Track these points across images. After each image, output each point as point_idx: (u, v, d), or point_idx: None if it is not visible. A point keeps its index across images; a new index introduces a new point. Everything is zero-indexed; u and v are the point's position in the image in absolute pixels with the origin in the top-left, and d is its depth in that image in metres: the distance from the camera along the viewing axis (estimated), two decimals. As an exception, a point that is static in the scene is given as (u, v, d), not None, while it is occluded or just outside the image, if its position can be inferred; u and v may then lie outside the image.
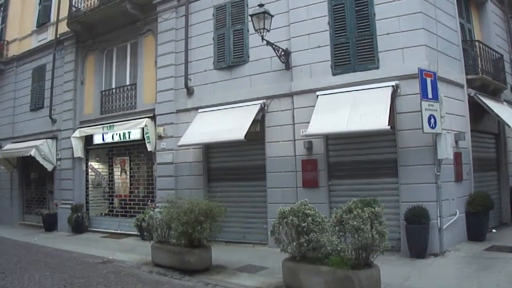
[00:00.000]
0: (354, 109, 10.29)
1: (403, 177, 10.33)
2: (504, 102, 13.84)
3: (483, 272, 8.44)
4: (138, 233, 13.17)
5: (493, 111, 11.90)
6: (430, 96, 9.69)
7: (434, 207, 9.93)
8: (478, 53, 12.81)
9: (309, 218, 7.63)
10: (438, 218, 9.93)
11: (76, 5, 16.59)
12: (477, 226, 11.10)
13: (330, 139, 11.33)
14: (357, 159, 11.07)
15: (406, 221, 9.90)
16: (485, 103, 11.94)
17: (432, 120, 9.62)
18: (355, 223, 7.02)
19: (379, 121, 9.66)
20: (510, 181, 13.98)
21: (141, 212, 12.35)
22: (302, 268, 7.66)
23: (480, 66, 12.61)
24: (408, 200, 10.12)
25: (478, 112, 12.36)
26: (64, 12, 17.43)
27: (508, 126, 12.03)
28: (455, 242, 10.66)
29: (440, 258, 9.71)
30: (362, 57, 11.08)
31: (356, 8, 11.24)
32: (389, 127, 9.53)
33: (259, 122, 12.20)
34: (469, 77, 12.08)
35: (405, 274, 8.63)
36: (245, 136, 11.37)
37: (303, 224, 7.58)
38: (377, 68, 10.84)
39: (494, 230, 12.44)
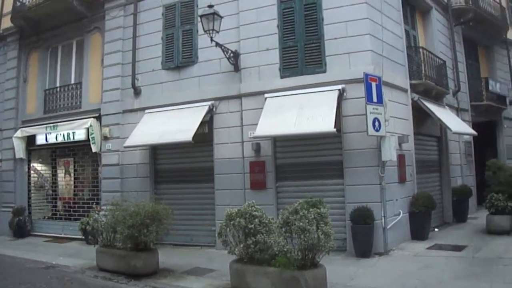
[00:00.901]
0: (301, 111, 10.41)
1: (348, 178, 10.53)
2: (446, 106, 14.36)
3: (426, 270, 8.72)
4: (83, 237, 12.74)
5: (435, 115, 12.33)
6: (375, 100, 9.92)
7: (379, 208, 10.19)
8: (422, 59, 13.27)
9: (256, 220, 7.62)
10: (383, 218, 10.19)
11: (21, 0, 15.95)
12: (420, 226, 11.46)
13: (278, 141, 11.40)
14: (304, 161, 11.19)
15: (352, 222, 10.08)
16: (427, 107, 12.36)
17: (377, 123, 9.85)
18: (301, 224, 7.07)
19: (325, 123, 9.81)
20: (452, 182, 14.50)
21: (86, 215, 12.01)
22: (249, 269, 7.66)
23: (423, 71, 13.05)
24: (353, 201, 10.31)
25: (421, 116, 12.77)
26: (8, 7, 16.74)
27: (449, 129, 12.50)
28: (399, 241, 10.97)
29: (384, 257, 9.97)
30: (310, 61, 11.21)
31: (305, 13, 11.37)
32: (334, 129, 9.68)
33: (207, 123, 12.12)
34: (413, 82, 12.47)
35: (350, 273, 8.79)
36: (193, 137, 11.27)
37: (250, 226, 7.57)
38: (324, 72, 11.00)
39: (436, 229, 12.87)
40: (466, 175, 15.70)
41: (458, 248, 10.41)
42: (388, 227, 10.36)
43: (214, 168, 12.07)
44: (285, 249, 7.28)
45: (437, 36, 15.13)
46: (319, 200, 7.65)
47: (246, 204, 8.02)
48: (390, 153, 10.06)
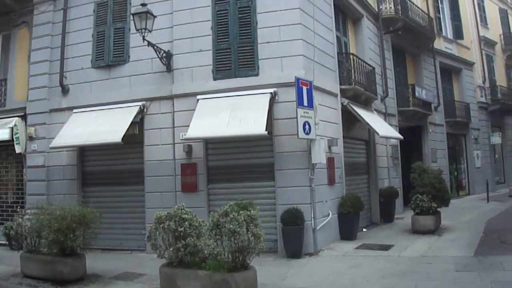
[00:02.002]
0: (234, 114, 10.42)
1: (279, 180, 10.67)
2: (374, 111, 14.89)
3: (354, 269, 8.98)
4: (7, 242, 12.08)
5: (363, 119, 12.76)
6: (305, 103, 10.11)
7: (309, 209, 10.39)
8: (352, 65, 13.64)
9: (186, 223, 7.51)
10: (312, 219, 10.39)
11: None
12: (348, 226, 11.82)
13: (209, 143, 11.36)
14: (236, 163, 11.22)
15: (282, 223, 10.21)
16: (356, 112, 12.77)
17: (307, 126, 10.03)
18: (231, 226, 7.04)
19: (257, 126, 9.88)
20: (379, 184, 15.05)
21: (10, 220, 11.36)
22: (179, 273, 7.54)
23: (353, 77, 13.43)
24: (284, 203, 10.45)
25: (350, 120, 13.17)
26: None
27: (377, 133, 12.99)
28: (329, 241, 11.25)
29: (314, 257, 10.17)
30: (243, 64, 11.27)
31: (239, 15, 11.40)
32: (266, 132, 9.77)
33: (137, 124, 11.81)
34: (343, 87, 12.83)
35: (281, 274, 8.88)
36: (123, 138, 10.97)
37: (180, 229, 7.46)
38: (257, 75, 11.09)
39: (364, 230, 13.32)
40: (393, 177, 16.35)
41: (385, 247, 10.83)
42: (318, 228, 10.57)
43: (145, 170, 11.82)
44: (215, 252, 7.21)
45: (367, 43, 15.66)
46: (249, 202, 7.66)
47: (176, 206, 7.88)
48: (320, 156, 10.28)
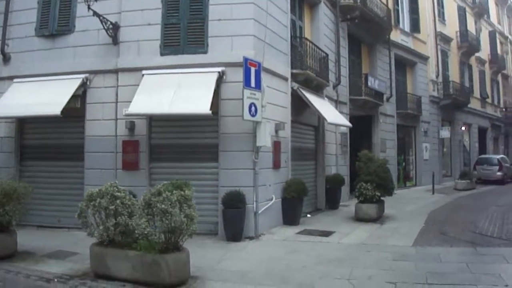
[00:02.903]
0: (179, 91, 10.10)
1: (223, 162, 10.47)
2: (325, 98, 14.86)
3: (292, 254, 8.90)
4: None
5: (313, 105, 12.67)
6: (253, 85, 9.90)
7: (251, 192, 10.28)
8: (306, 50, 13.51)
9: (118, 201, 7.22)
10: (254, 202, 10.29)
11: None
12: (291, 211, 11.75)
13: (153, 120, 11.01)
14: (180, 142, 10.94)
15: (223, 205, 10.03)
16: (306, 97, 12.66)
17: (253, 108, 9.83)
18: (163, 206, 6.79)
19: (201, 105, 9.61)
20: (327, 170, 15.09)
21: None
22: (110, 253, 7.25)
23: (306, 62, 13.30)
24: (226, 185, 10.27)
25: (300, 105, 13.04)
26: None
27: (325, 119, 12.91)
28: (271, 226, 11.16)
29: (254, 241, 10.07)
30: (192, 40, 10.94)
31: (192, -10, 11.05)
32: (210, 112, 9.51)
33: (80, 97, 11.31)
34: (295, 71, 12.69)
35: (218, 257, 8.71)
36: (62, 111, 10.46)
37: (111, 207, 7.17)
38: (206, 52, 10.79)
39: (309, 215, 13.34)
40: (340, 164, 16.45)
41: (326, 233, 10.83)
42: (260, 211, 10.47)
43: (85, 146, 11.37)
44: (146, 232, 6.96)
45: (323, 29, 15.56)
46: (184, 182, 7.40)
47: (108, 183, 7.57)
48: (265, 138, 10.13)
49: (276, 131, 11.47)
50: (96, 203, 7.27)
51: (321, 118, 14.02)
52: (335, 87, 16.26)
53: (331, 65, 15.97)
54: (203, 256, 8.41)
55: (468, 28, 31.45)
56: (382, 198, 12.94)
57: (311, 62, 13.69)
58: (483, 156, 29.55)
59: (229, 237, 10.01)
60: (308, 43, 13.74)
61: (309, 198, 14.01)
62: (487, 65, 36.28)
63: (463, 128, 31.00)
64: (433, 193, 20.11)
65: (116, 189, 7.44)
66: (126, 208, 7.29)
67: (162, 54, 11.01)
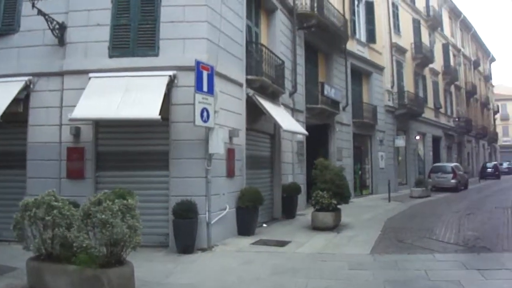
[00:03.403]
0: (127, 95, 9.60)
1: (174, 170, 10.00)
2: (281, 106, 14.63)
3: (246, 265, 8.54)
4: None
5: (268, 112, 12.39)
6: (205, 89, 9.52)
7: (203, 202, 9.83)
8: (262, 56, 13.27)
9: (55, 211, 6.65)
10: (207, 212, 9.84)
11: None
12: (246, 221, 11.39)
13: (100, 126, 10.42)
14: (128, 149, 10.40)
15: (174, 216, 9.53)
16: (261, 104, 12.37)
17: (205, 113, 9.45)
18: (103, 216, 6.28)
19: (150, 109, 9.13)
20: (283, 179, 14.84)
21: None
22: (47, 268, 6.66)
23: (262, 69, 13.06)
24: (178, 194, 9.79)
25: (256, 112, 12.75)
26: None
27: (281, 127, 12.64)
28: (225, 236, 10.74)
29: (207, 253, 9.61)
30: (143, 42, 10.48)
31: (143, -10, 10.59)
32: (159, 117, 9.02)
33: (22, 101, 10.59)
34: (250, 77, 12.40)
35: (167, 270, 8.23)
36: (2, 116, 9.72)
37: (47, 218, 6.60)
38: (157, 55, 10.34)
39: (265, 225, 13.01)
40: (297, 173, 16.24)
41: (281, 243, 10.52)
42: (213, 222, 10.05)
43: (27, 153, 10.61)
44: (84, 245, 6.43)
45: (279, 36, 15.39)
46: (128, 190, 6.90)
47: (45, 192, 6.99)
48: (217, 145, 9.76)
49: (230, 138, 11.12)
50: (32, 213, 6.68)
51: (277, 126, 13.77)
52: (291, 95, 16.09)
53: (288, 73, 15.81)
54: (152, 270, 7.98)
55: (423, 40, 32.25)
56: (338, 206, 12.76)
57: (267, 69, 13.46)
58: (437, 164, 30.14)
59: (181, 249, 9.52)
60: (264, 49, 13.51)
61: (265, 207, 13.72)
62: (440, 76, 37.24)
63: (417, 137, 31.58)
64: (389, 201, 20.20)
65: (54, 198, 6.86)
66: (65, 219, 6.71)
67: (110, 56, 10.47)
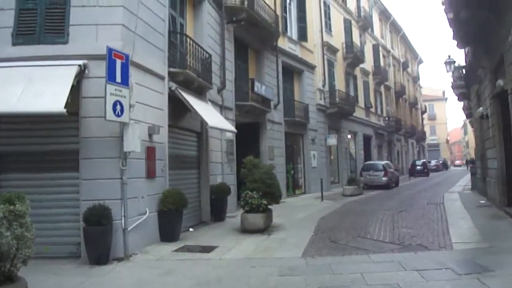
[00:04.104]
0: (30, 87, 8.37)
1: (85, 171, 8.90)
2: (209, 102, 13.80)
3: (166, 276, 7.67)
4: None
5: (192, 107, 11.48)
6: (118, 80, 8.53)
7: (119, 206, 8.85)
8: (186, 48, 12.39)
9: None
10: (123, 218, 8.86)
11: None
12: (169, 226, 10.45)
13: (1, 122, 9.16)
14: (33, 149, 9.17)
15: (85, 222, 8.47)
16: (185, 98, 11.45)
17: (119, 107, 8.46)
18: (-17, 226, 5.25)
19: (54, 103, 7.99)
20: (212, 180, 14.01)
21: None
22: None
23: (187, 61, 12.19)
24: (89, 198, 8.71)
25: (180, 108, 11.80)
26: None
27: (206, 123, 11.69)
28: (145, 243, 9.78)
29: (124, 263, 8.63)
30: (51, 29, 9.29)
31: (50, -29, 9.40)
32: (64, 110, 7.88)
33: None
34: (172, 70, 11.46)
35: (75, 284, 7.20)
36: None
37: None
38: (66, 43, 9.20)
39: (191, 229, 12.16)
40: (227, 173, 15.46)
41: (208, 249, 9.68)
42: (130, 228, 9.08)
43: None
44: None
45: (207, 29, 14.58)
46: (18, 194, 5.85)
47: None
48: (133, 143, 8.78)
49: (150, 136, 10.16)
50: None
51: (204, 124, 12.88)
52: (220, 91, 15.30)
53: (216, 68, 15.03)
54: (58, 285, 7.02)
55: (354, 40, 32.52)
56: (269, 206, 12.12)
57: (193, 62, 12.58)
58: (368, 162, 30.39)
59: (93, 260, 8.46)
60: (189, 41, 12.61)
61: (192, 210, 12.88)
62: (371, 76, 37.86)
63: (349, 136, 31.76)
64: (322, 200, 19.91)
65: None
66: None
67: (14, 44, 9.20)
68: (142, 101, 9.79)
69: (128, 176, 9.01)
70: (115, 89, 8.42)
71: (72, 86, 8.47)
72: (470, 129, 77.85)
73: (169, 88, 11.28)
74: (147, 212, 9.83)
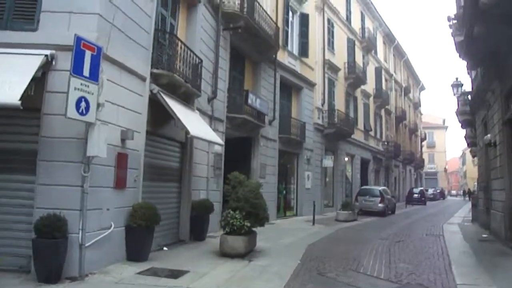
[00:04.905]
0: (-12, 76, 7.34)
1: (42, 175, 7.79)
2: (197, 111, 12.74)
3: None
4: None
5: (174, 112, 10.37)
6: (86, 74, 7.47)
7: (77, 217, 7.70)
8: (176, 51, 11.39)
9: None
10: (80, 231, 7.71)
11: None
12: (138, 244, 9.29)
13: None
14: (-18, 147, 8.09)
15: (36, 233, 7.35)
16: (167, 103, 10.37)
17: (83, 104, 7.38)
18: None
19: (9, 94, 6.94)
20: (195, 195, 12.87)
21: None
22: None
23: (174, 64, 11.17)
24: (45, 206, 7.62)
25: (164, 114, 10.69)
26: None
27: (187, 131, 10.43)
28: (108, 262, 8.64)
29: (77, 284, 7.48)
30: (20, 14, 8.34)
31: (24, -47, 8.42)
32: (19, 102, 6.80)
33: None
34: (155, 71, 10.42)
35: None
36: None
37: None
38: (35, 30, 8.20)
39: (166, 248, 11.03)
40: (212, 189, 14.31)
41: (176, 274, 8.45)
42: (90, 243, 7.96)
43: None
44: None
45: (200, 33, 13.61)
46: None
47: None
48: (98, 147, 7.68)
49: (123, 141, 9.05)
50: None
51: (186, 132, 11.76)
52: (210, 100, 14.24)
53: (208, 76, 14.02)
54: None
55: (356, 60, 31.69)
56: (254, 229, 11.00)
57: (181, 66, 11.58)
58: (365, 187, 29.32)
59: (42, 277, 7.33)
60: (179, 43, 11.61)
61: (169, 227, 11.81)
62: (371, 99, 36.99)
63: (346, 158, 30.71)
64: (313, 224, 18.74)
65: None
66: None
67: (-20, 29, 8.20)
68: (115, 102, 8.74)
69: (91, 185, 7.89)
70: (81, 84, 7.36)
71: (35, 78, 7.46)
72: (469, 159, 77.02)
73: (151, 91, 10.23)
74: (112, 226, 8.67)
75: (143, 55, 10.02)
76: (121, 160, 8.97)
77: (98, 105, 7.74)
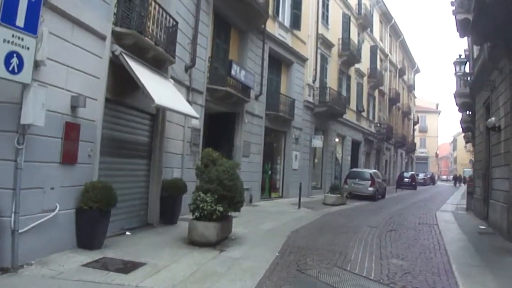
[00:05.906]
0: None
1: (-33, 147, 6.46)
2: (171, 80, 11.36)
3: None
4: None
5: (137, 77, 8.95)
6: (20, 24, 6.04)
7: (10, 198, 6.39)
8: (147, 9, 9.98)
9: None
10: (13, 214, 6.41)
11: None
12: (90, 229, 7.96)
13: None
14: None
15: (-43, 218, 6.07)
16: (130, 67, 8.96)
17: (15, 60, 5.96)
18: None
19: None
20: (165, 173, 11.58)
21: None
22: None
23: (144, 25, 9.80)
24: (-29, 185, 6.31)
25: (131, 81, 9.21)
26: None
27: (152, 99, 8.96)
28: (53, 250, 7.37)
29: (6, 277, 6.18)
30: None
31: None
32: None
33: None
34: (118, 29, 8.99)
35: None
36: None
37: None
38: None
39: (128, 233, 9.78)
40: (188, 167, 12.96)
41: (129, 267, 7.13)
42: (27, 228, 6.68)
43: None
44: None
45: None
46: None
47: None
48: (34, 113, 6.32)
49: (73, 108, 7.68)
50: None
51: (150, 100, 10.33)
52: (188, 69, 12.85)
53: (185, 42, 12.60)
54: None
55: (351, 37, 30.30)
56: (229, 214, 9.78)
57: (152, 28, 10.18)
58: (355, 169, 28.19)
59: (-36, 267, 6.09)
60: (152, 2, 10.17)
61: (136, 209, 10.59)
62: (365, 78, 35.72)
63: (336, 139, 29.51)
64: (299, 207, 17.58)
65: None
66: None
67: None
68: (64, 62, 7.35)
69: (29, 159, 6.58)
70: (13, 35, 5.94)
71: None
72: (460, 145, 76.46)
73: (112, 52, 8.83)
74: (57, 208, 7.37)
75: (102, 8, 8.56)
76: (71, 130, 7.60)
77: (37, 63, 6.36)
